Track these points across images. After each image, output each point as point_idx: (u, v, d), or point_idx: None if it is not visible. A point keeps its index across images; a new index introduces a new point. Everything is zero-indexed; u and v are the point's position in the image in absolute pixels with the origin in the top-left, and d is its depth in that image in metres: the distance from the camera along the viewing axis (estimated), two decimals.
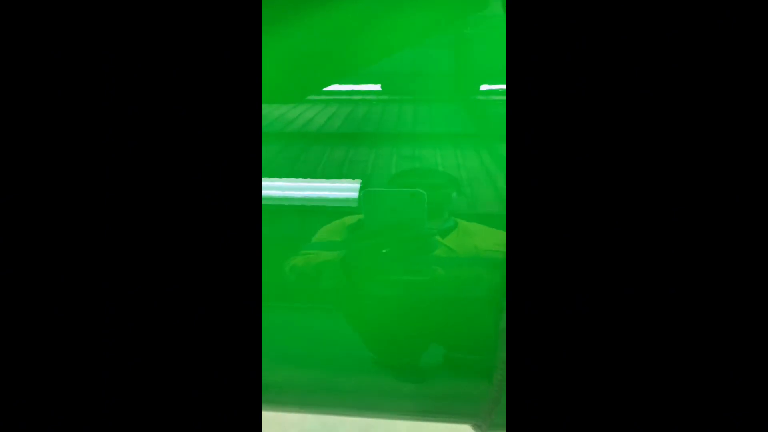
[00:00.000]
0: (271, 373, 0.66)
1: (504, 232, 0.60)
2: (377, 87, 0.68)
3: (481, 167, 0.63)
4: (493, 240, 0.61)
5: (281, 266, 0.63)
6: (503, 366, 0.63)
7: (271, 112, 0.67)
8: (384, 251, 0.61)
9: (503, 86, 0.65)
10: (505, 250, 0.60)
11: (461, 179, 0.62)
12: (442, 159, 0.64)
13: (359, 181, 0.63)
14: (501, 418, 0.68)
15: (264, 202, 0.63)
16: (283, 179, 0.64)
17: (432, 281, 0.62)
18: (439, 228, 0.61)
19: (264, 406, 0.69)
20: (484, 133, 0.65)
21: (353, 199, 0.63)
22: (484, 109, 0.66)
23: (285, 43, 0.68)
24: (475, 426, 0.73)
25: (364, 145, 0.65)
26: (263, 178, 0.63)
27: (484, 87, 0.66)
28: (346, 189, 0.63)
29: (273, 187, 0.63)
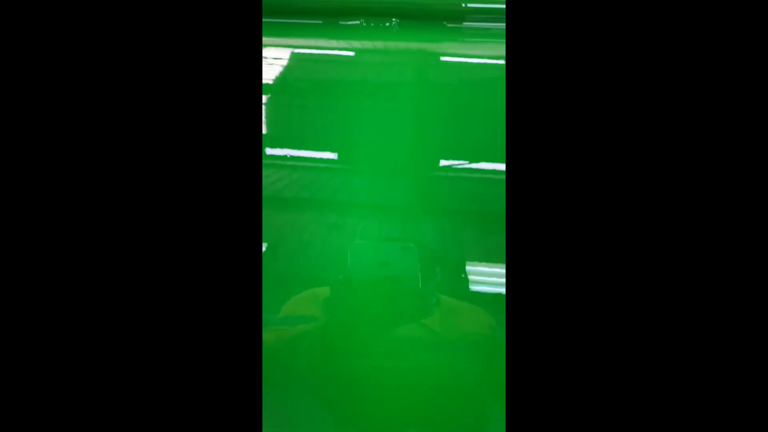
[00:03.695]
0: None
1: (488, 314, 0.55)
2: (334, 156, 0.66)
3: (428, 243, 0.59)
4: (480, 321, 0.56)
5: None
6: None
7: None
8: (374, 312, 0.53)
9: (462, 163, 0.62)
10: (490, 332, 0.55)
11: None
12: (385, 231, 0.59)
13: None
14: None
15: None
16: None
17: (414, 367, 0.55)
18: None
19: None
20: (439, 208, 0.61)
21: None
22: (442, 185, 0.62)
23: None
24: None
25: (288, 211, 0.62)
26: None
27: (444, 163, 0.63)
28: None
29: None
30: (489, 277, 0.57)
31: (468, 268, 0.58)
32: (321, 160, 0.66)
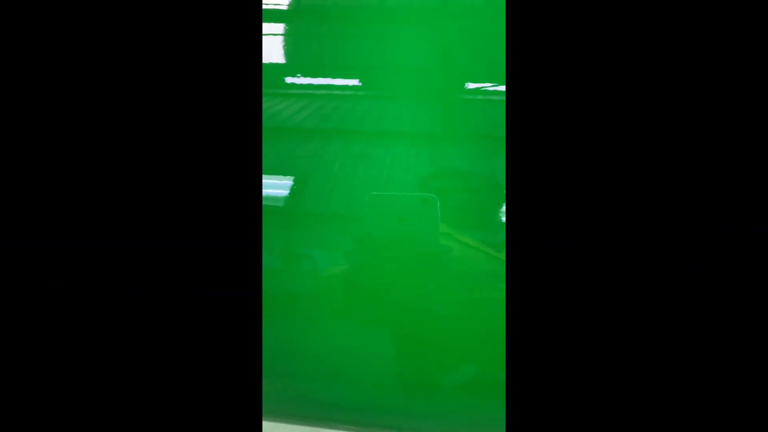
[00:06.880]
0: (271, 385, 0.59)
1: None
2: (356, 82, 0.63)
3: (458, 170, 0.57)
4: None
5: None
6: None
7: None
8: (390, 267, 0.53)
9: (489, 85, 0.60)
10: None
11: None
12: (407, 159, 0.57)
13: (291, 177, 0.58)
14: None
15: None
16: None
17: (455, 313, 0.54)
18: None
19: (264, 417, 0.63)
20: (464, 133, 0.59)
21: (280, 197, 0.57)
22: (466, 109, 0.59)
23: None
24: None
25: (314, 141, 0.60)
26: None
27: (470, 85, 0.60)
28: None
29: None
30: None
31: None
32: (343, 87, 0.63)
